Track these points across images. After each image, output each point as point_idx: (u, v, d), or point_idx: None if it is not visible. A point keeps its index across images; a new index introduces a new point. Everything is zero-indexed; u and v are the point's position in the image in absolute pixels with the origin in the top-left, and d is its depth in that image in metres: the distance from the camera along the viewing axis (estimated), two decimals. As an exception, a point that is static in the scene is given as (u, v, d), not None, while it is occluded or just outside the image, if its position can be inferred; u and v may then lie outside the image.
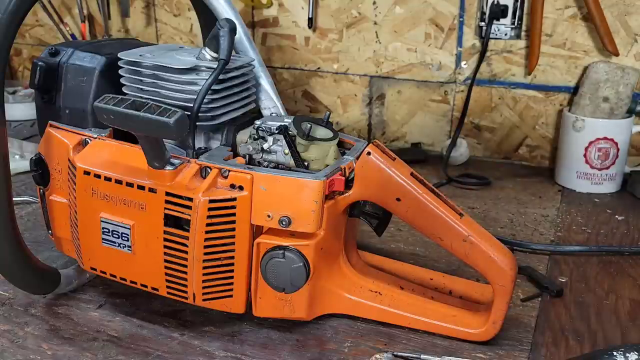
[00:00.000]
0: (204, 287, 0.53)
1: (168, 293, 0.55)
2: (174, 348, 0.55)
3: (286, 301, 0.55)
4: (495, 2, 0.99)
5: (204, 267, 0.52)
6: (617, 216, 0.86)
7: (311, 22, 1.13)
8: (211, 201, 0.51)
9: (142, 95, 0.59)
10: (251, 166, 0.53)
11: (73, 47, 0.62)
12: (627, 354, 0.46)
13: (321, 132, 0.57)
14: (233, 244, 0.52)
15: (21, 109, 1.23)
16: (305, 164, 0.56)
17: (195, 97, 0.56)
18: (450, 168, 1.02)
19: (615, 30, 0.94)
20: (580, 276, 0.68)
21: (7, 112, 0.51)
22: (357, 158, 0.54)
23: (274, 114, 0.65)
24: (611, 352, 0.46)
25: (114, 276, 0.57)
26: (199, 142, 0.61)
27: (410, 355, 0.53)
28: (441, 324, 0.56)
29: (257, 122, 0.58)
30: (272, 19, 1.16)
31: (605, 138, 0.91)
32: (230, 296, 0.54)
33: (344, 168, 0.54)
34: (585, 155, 0.92)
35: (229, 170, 0.52)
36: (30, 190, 0.89)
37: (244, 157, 0.58)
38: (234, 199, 0.51)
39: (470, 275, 0.65)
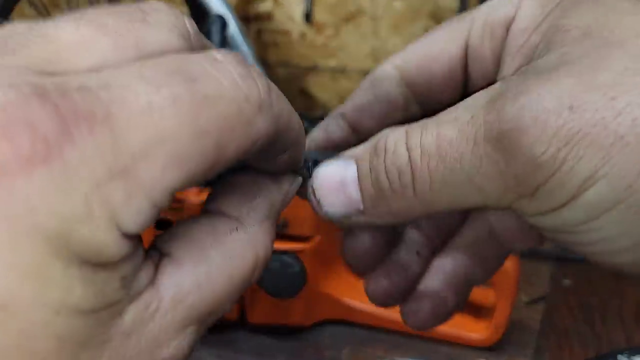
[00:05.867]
0: (196, 293, 0.52)
1: (159, 299, 0.53)
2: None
3: (282, 307, 0.54)
4: (496, -4, 0.98)
5: (197, 272, 0.51)
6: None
7: (308, 17, 1.12)
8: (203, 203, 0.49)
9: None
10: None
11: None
12: (632, 357, 0.45)
13: (318, 131, 0.56)
14: (226, 248, 0.51)
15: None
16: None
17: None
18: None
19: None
20: (584, 279, 0.67)
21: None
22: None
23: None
24: (615, 355, 0.46)
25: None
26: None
27: (411, 362, 0.50)
28: (443, 328, 0.55)
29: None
30: (266, 14, 1.15)
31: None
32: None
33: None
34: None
35: (222, 172, 0.51)
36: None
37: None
38: (227, 202, 0.50)
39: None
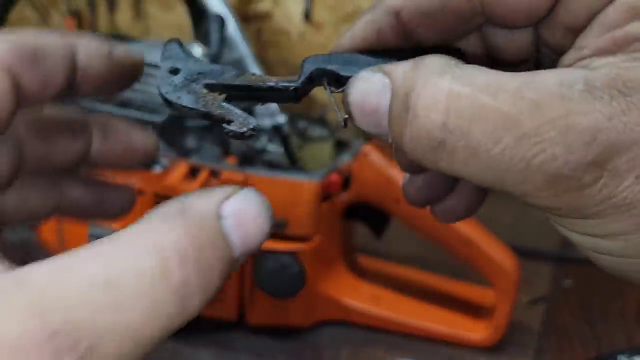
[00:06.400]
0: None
1: (157, 299, 0.53)
2: (165, 358, 0.53)
3: (281, 308, 0.53)
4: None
5: (195, 273, 0.51)
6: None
7: (307, 16, 1.11)
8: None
9: (130, 94, 0.57)
10: (244, 166, 0.52)
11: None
12: (633, 358, 0.45)
13: (317, 131, 0.56)
14: (225, 248, 0.51)
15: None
16: (300, 164, 0.55)
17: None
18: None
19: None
20: (585, 279, 0.67)
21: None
22: (355, 158, 0.53)
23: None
24: (616, 356, 0.46)
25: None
26: (190, 141, 0.60)
27: (411, 363, 0.49)
28: (443, 329, 0.55)
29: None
30: (266, 13, 1.14)
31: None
32: (221, 301, 0.53)
33: (341, 168, 0.53)
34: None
35: (221, 171, 0.51)
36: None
37: (237, 156, 0.56)
38: (226, 201, 0.50)
39: (473, 279, 0.63)
